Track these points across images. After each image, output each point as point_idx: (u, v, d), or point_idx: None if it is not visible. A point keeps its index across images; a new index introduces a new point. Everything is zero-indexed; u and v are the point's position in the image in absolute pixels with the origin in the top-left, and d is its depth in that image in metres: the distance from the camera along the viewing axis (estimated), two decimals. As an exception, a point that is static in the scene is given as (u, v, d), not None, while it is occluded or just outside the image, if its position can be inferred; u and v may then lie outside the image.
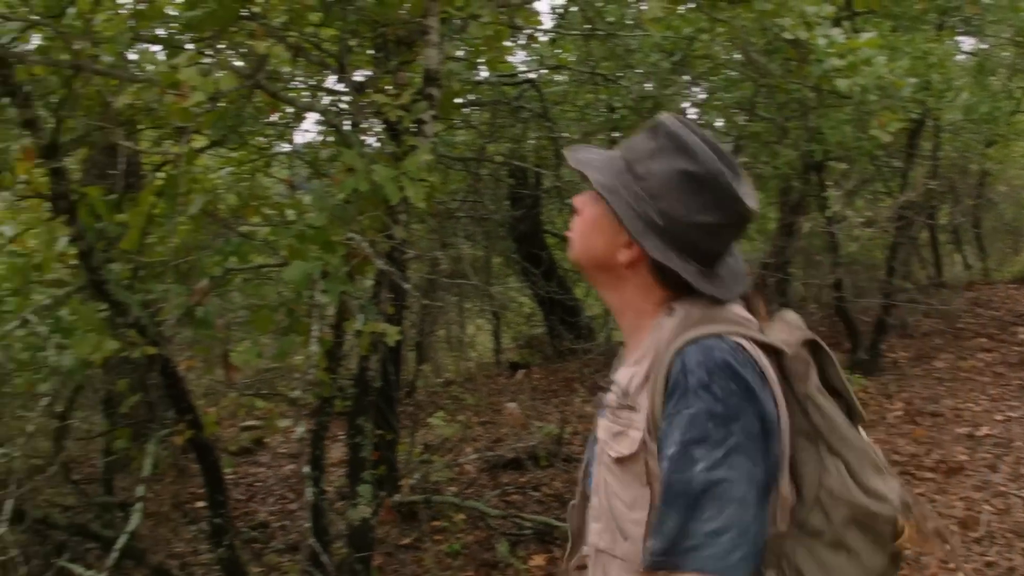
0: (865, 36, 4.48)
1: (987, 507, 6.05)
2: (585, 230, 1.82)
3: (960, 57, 10.25)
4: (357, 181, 3.34)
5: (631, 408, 1.71)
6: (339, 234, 3.32)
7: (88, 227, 3.64)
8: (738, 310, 1.75)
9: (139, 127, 5.06)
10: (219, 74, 2.87)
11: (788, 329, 1.76)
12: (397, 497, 6.05)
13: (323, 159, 5.43)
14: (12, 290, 3.68)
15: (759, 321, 1.77)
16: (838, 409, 1.71)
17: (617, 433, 1.72)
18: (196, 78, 2.85)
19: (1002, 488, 6.36)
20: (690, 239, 1.71)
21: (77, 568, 3.78)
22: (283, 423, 10.41)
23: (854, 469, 1.67)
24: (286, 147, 6.20)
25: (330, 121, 3.57)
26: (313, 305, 3.25)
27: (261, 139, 5.86)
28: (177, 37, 3.68)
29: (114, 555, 3.54)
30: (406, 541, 6.61)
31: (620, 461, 1.70)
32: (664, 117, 1.76)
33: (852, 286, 10.34)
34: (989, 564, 5.27)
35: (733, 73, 8.80)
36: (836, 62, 4.37)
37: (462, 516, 6.60)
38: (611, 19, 8.24)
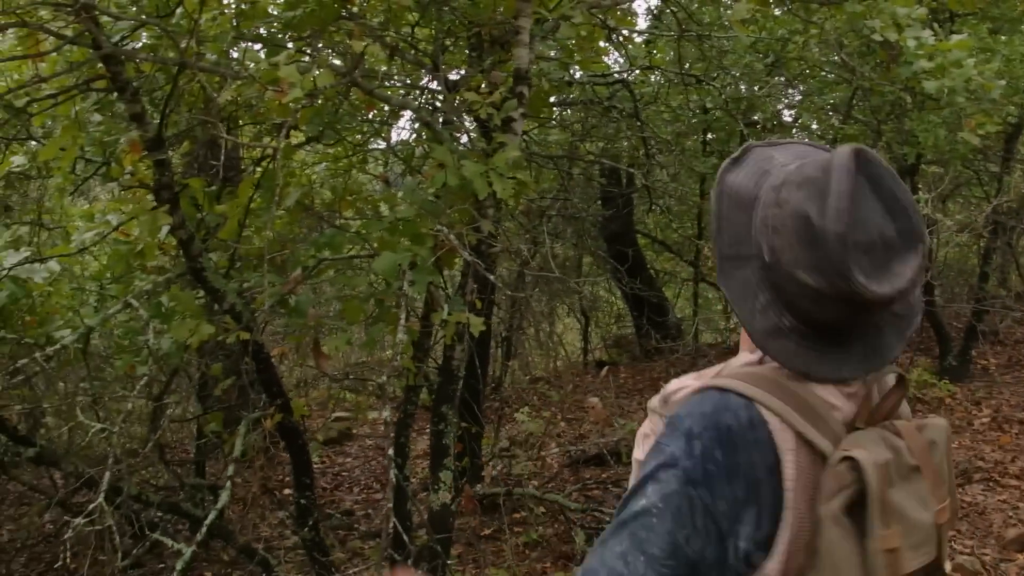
0: (956, 38, 4.45)
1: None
2: None
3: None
4: (447, 176, 3.45)
5: (660, 416, 1.56)
6: (428, 226, 3.43)
7: (189, 217, 3.80)
8: (829, 393, 1.49)
9: (239, 123, 5.25)
10: (317, 72, 2.99)
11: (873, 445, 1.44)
12: (479, 487, 6.15)
13: (417, 156, 5.57)
14: (115, 276, 3.86)
15: (868, 418, 1.51)
16: (849, 543, 1.40)
17: (646, 435, 1.58)
18: (295, 75, 2.98)
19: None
20: (789, 291, 1.48)
21: (168, 540, 3.93)
22: (371, 414, 10.66)
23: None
24: (381, 144, 6.35)
25: (423, 118, 3.68)
26: (401, 295, 3.36)
27: (357, 136, 6.02)
28: (278, 36, 3.82)
29: (203, 531, 3.69)
30: (487, 532, 6.73)
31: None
32: (843, 150, 1.45)
33: (944, 292, 10.18)
34: None
35: (829, 75, 8.75)
36: (925, 64, 4.35)
37: (542, 509, 6.69)
38: (706, 20, 8.27)
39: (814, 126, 10.34)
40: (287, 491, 7.77)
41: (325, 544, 4.51)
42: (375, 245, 3.63)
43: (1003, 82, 4.67)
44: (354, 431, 10.08)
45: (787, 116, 10.31)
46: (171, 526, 6.22)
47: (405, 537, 3.82)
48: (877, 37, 4.45)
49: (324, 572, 4.42)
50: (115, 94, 3.58)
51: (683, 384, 1.56)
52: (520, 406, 9.17)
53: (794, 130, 9.96)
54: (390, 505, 3.11)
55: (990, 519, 6.02)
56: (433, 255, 3.46)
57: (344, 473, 9.01)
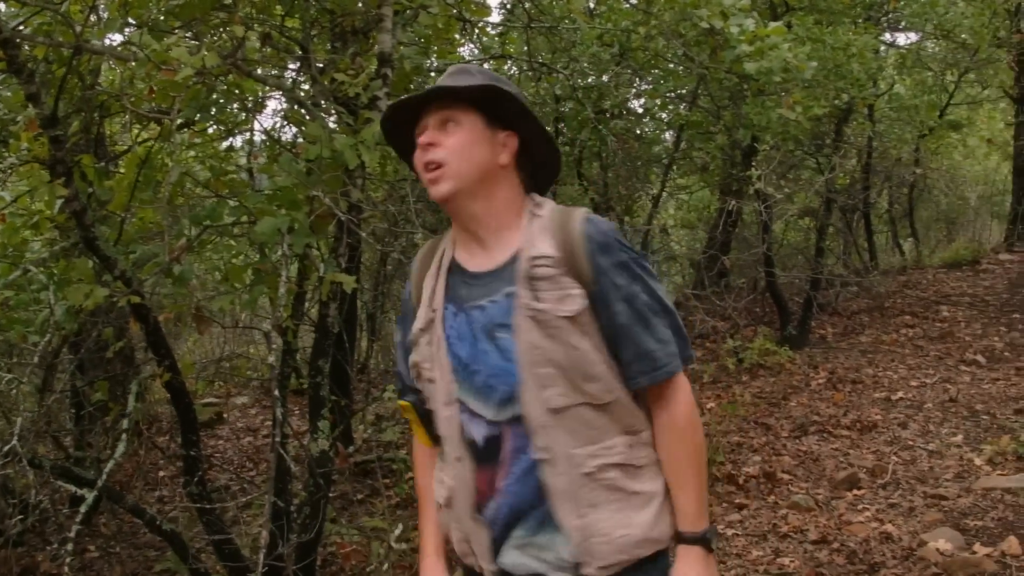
0: (773, 25, 5.02)
1: (895, 458, 6.65)
2: (464, 147, 2.07)
3: (882, 50, 10.86)
4: (319, 148, 3.84)
5: (564, 274, 2.01)
6: (303, 193, 3.81)
7: (81, 191, 4.09)
8: None
9: (110, 112, 5.48)
10: (204, 53, 3.33)
11: None
12: (352, 448, 6.51)
13: (283, 140, 5.90)
14: (11, 245, 4.13)
15: None
16: None
17: (562, 297, 2.00)
18: (185, 56, 3.32)
19: (910, 442, 6.97)
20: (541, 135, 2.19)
21: (71, 486, 4.20)
22: (239, 399, 10.89)
23: None
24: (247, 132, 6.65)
25: (296, 98, 4.03)
26: (282, 256, 3.73)
27: (227, 122, 6.31)
28: (161, 22, 4.13)
29: (103, 478, 3.97)
30: (359, 497, 7.11)
31: (571, 319, 1.99)
32: (465, 65, 2.22)
33: (782, 266, 10.93)
34: (892, 505, 5.85)
35: (671, 65, 9.35)
36: (746, 48, 4.91)
37: (411, 474, 7.09)
38: (556, 13, 8.75)
39: (663, 115, 10.96)
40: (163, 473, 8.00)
41: (212, 497, 4.82)
42: (254, 214, 3.98)
43: (815, 64, 5.27)
44: (225, 415, 10.27)
45: (636, 105, 10.91)
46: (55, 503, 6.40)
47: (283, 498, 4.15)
48: (704, 24, 4.99)
49: (213, 523, 4.74)
50: (12, 76, 3.83)
51: (539, 251, 2.05)
52: (386, 386, 9.53)
53: (645, 118, 10.58)
54: (278, 440, 3.47)
55: (823, 464, 6.66)
56: (308, 220, 3.85)
57: (217, 454, 9.21)
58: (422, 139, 2.08)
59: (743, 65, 4.90)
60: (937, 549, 5.05)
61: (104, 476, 3.95)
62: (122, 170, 5.02)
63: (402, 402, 2.24)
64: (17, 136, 3.84)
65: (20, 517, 4.22)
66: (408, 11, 4.43)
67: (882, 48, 10.95)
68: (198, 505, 4.63)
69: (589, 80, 8.95)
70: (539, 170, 2.22)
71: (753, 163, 8.59)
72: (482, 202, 2.10)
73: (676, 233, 13.96)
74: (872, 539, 5.32)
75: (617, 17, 8.02)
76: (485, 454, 2.08)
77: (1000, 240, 16.86)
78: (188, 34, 4.08)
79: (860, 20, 9.09)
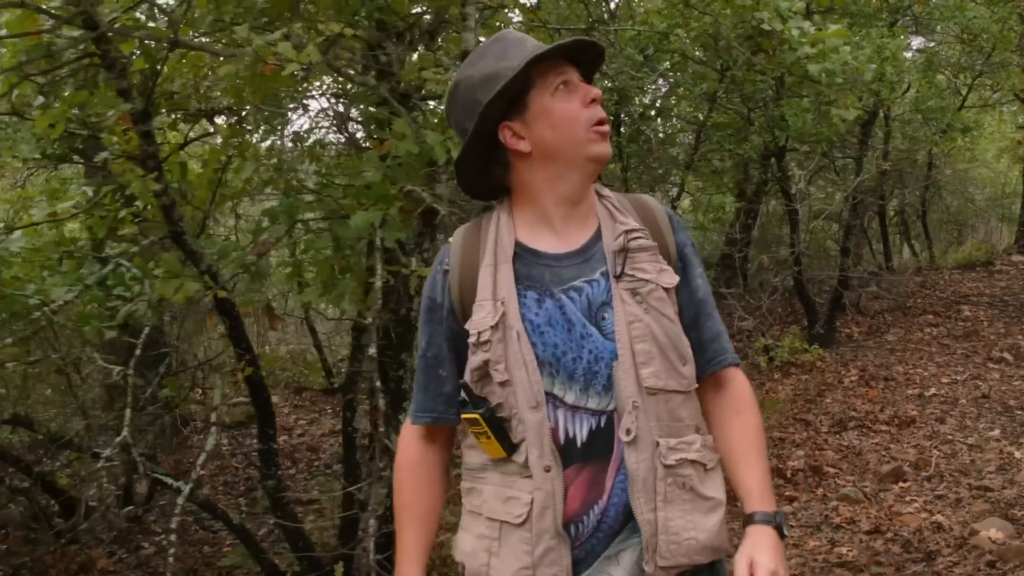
0: (832, 28, 5.12)
1: (936, 452, 6.77)
2: None
3: (909, 54, 10.99)
4: (408, 144, 3.92)
5: (658, 248, 2.00)
6: (395, 188, 3.89)
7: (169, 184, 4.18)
8: None
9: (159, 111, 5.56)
10: (309, 48, 3.41)
11: None
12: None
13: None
14: (99, 240, 4.21)
15: None
16: None
17: (661, 269, 1.97)
18: (290, 51, 3.41)
19: (949, 437, 7.09)
20: None
21: (168, 479, 4.28)
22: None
23: None
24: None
25: (382, 94, 4.12)
26: (376, 249, 3.82)
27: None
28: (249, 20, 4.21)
29: (199, 468, 4.05)
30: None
31: (669, 291, 1.97)
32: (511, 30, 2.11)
33: (808, 268, 11.07)
34: (939, 496, 5.96)
35: (700, 67, 9.45)
36: (808, 50, 5.01)
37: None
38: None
39: (680, 116, 11.05)
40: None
41: (285, 494, 4.91)
42: (344, 209, 4.07)
43: (874, 66, 5.38)
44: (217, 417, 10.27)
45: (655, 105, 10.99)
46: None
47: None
48: (766, 27, 5.09)
49: (288, 517, 4.83)
50: (105, 70, 3.92)
51: (626, 228, 2.01)
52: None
53: (673, 118, 10.67)
54: (381, 430, 3.56)
55: (867, 459, 6.77)
56: (400, 214, 3.94)
57: (254, 453, 9.27)
58: (595, 93, 1.98)
59: (805, 67, 4.99)
60: (989, 538, 5.16)
61: (199, 468, 4.03)
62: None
63: (468, 415, 1.96)
64: (111, 131, 3.91)
65: (129, 508, 4.30)
66: (487, 9, 4.53)
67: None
68: (274, 501, 4.71)
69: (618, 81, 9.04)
70: None
71: (790, 163, 8.70)
72: (589, 184, 2.06)
73: (693, 235, 14.06)
74: (924, 529, 5.42)
75: (656, 18, 8.10)
76: (589, 451, 1.94)
77: (1010, 242, 17.01)
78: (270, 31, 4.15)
79: (888, 24, 9.20)
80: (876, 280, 12.49)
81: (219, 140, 5.22)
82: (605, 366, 1.93)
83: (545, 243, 2.00)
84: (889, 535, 5.42)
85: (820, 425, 7.62)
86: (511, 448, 1.94)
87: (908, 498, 5.97)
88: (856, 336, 10.74)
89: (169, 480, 4.20)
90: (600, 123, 1.97)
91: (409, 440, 2.14)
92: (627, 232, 1.98)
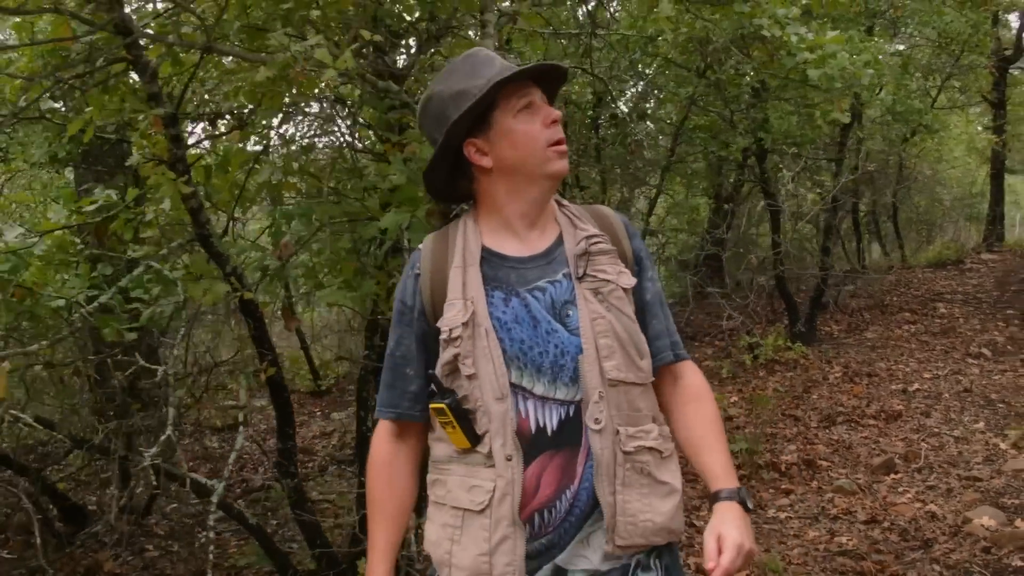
0: (830, 34, 5.29)
1: (924, 444, 6.96)
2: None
3: (881, 57, 11.20)
4: (430, 147, 4.04)
5: (616, 251, 2.16)
6: (421, 191, 4.01)
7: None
8: None
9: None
10: (346, 55, 3.52)
11: None
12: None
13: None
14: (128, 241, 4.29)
15: None
16: None
17: (620, 271, 2.13)
18: (327, 56, 3.51)
19: (936, 430, 7.29)
20: None
21: (201, 478, 4.35)
22: (258, 403, 10.99)
23: None
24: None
25: (404, 100, 4.23)
26: (404, 250, 3.94)
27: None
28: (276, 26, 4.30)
29: (230, 461, 4.13)
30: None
31: (627, 291, 2.13)
32: (482, 48, 2.24)
33: (787, 267, 11.27)
34: (930, 487, 6.15)
35: (681, 71, 9.59)
36: (808, 55, 5.18)
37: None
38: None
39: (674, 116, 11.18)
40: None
41: (305, 492, 5.00)
42: (368, 210, 4.18)
43: (871, 71, 5.55)
44: (244, 418, 10.31)
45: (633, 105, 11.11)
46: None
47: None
48: (765, 33, 5.25)
49: (306, 515, 4.91)
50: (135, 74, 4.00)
51: (587, 234, 2.15)
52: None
53: (647, 123, 10.78)
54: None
55: (857, 452, 6.95)
56: (426, 216, 4.05)
57: (245, 456, 9.31)
58: (555, 115, 2.12)
59: (804, 71, 5.15)
60: (982, 525, 5.36)
61: (229, 466, 4.11)
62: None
63: (435, 404, 2.06)
64: (142, 135, 3.99)
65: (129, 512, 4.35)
66: (503, 16, 4.64)
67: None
68: (293, 499, 4.80)
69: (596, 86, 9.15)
70: None
71: (774, 165, 8.88)
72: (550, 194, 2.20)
73: (670, 235, 14.22)
74: (919, 518, 5.61)
75: (643, 24, 8.24)
76: (559, 439, 2.05)
77: (979, 241, 17.38)
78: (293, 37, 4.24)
79: (865, 28, 9.41)
80: (853, 279, 12.73)
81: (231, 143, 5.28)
82: (571, 359, 2.06)
83: (510, 247, 2.14)
84: (886, 524, 5.59)
85: (809, 420, 7.80)
86: (476, 439, 2.04)
87: (901, 489, 6.15)
88: (836, 334, 10.96)
89: (203, 481, 4.27)
90: (558, 143, 2.11)
91: (381, 438, 2.23)
92: (588, 237, 2.13)
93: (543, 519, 2.04)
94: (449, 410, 2.04)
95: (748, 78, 8.37)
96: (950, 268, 14.81)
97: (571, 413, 2.05)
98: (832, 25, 8.37)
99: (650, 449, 2.08)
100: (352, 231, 4.34)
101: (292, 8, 4.17)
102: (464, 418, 2.05)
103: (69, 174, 6.89)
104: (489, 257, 2.13)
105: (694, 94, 9.54)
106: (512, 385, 2.05)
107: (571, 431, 2.05)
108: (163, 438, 3.54)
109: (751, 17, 5.39)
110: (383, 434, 2.23)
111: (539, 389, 2.05)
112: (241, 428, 4.18)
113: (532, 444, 2.04)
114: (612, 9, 8.86)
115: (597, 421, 2.03)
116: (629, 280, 2.13)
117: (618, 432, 2.04)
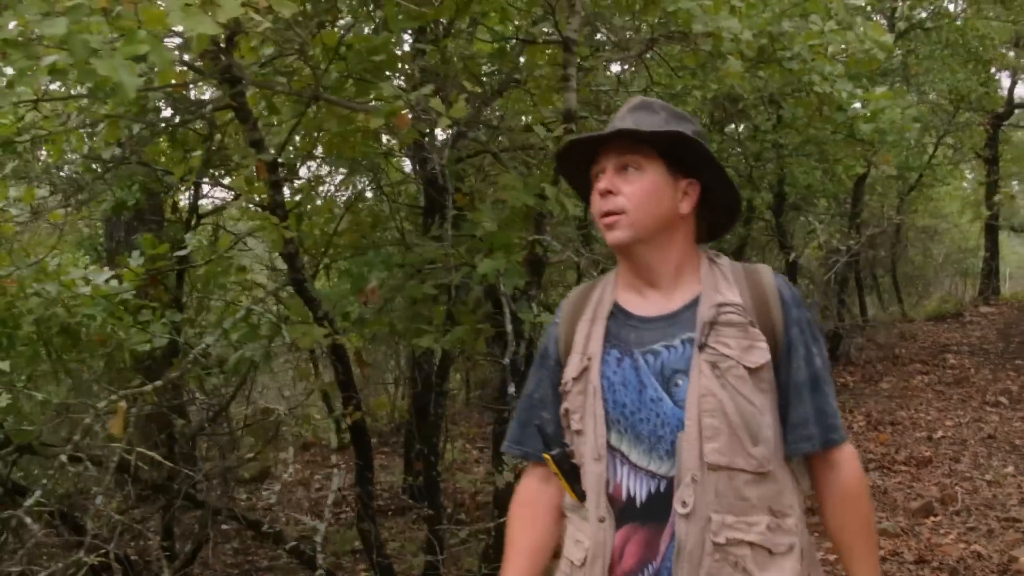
0: (879, 90, 5.53)
1: (959, 488, 7.13)
2: (645, 196, 2.00)
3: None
4: (525, 195, 4.23)
5: (753, 325, 1.96)
6: (518, 238, 4.19)
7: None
8: None
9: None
10: (459, 103, 3.71)
11: None
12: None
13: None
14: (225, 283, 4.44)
15: None
16: None
17: (748, 347, 1.94)
18: (440, 105, 3.70)
19: (967, 474, 7.47)
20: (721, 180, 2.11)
21: (305, 519, 4.45)
22: (282, 455, 11.01)
23: None
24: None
25: (492, 150, 4.42)
26: (502, 295, 4.11)
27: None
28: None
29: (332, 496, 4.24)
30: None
31: (754, 371, 1.94)
32: (644, 98, 2.14)
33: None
34: (971, 528, 6.31)
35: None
36: (859, 109, 5.42)
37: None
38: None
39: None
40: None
41: (380, 535, 5.09)
42: (461, 256, 4.35)
43: (919, 125, 5.80)
44: (272, 469, 10.39)
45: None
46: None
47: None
48: (818, 89, 5.48)
49: (380, 558, 5.02)
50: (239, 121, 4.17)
51: (724, 300, 2.01)
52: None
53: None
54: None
55: (893, 496, 7.11)
56: (520, 262, 4.23)
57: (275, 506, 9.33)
58: (600, 185, 2.03)
59: (857, 126, 5.38)
60: (1030, 564, 5.52)
61: (330, 505, 4.24)
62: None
63: (545, 454, 2.07)
64: (247, 181, 4.15)
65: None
66: (581, 71, 4.86)
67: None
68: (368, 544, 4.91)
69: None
70: (719, 217, 2.17)
71: (812, 219, 9.14)
72: (658, 252, 2.04)
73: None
74: (966, 558, 5.76)
75: (668, 81, 8.50)
76: (647, 512, 1.98)
77: (975, 295, 17.72)
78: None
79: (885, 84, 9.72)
80: (860, 331, 12.97)
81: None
82: (670, 432, 1.96)
83: (643, 306, 2.07)
84: (935, 564, 5.73)
85: (841, 467, 7.94)
86: (582, 495, 2.03)
87: (942, 531, 6.31)
88: (852, 385, 11.15)
89: (306, 520, 4.39)
90: (606, 215, 2.02)
91: (527, 479, 2.25)
92: (719, 305, 1.98)
93: None
94: (553, 461, 2.05)
95: (770, 135, 8.62)
96: (950, 321, 15.12)
97: (662, 488, 1.97)
98: (855, 83, 8.67)
99: (752, 544, 1.91)
100: (440, 277, 4.52)
101: (384, 62, 4.37)
102: (570, 472, 2.05)
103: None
104: (617, 313, 2.09)
105: (716, 151, 9.83)
106: (610, 447, 2.02)
107: (660, 506, 1.96)
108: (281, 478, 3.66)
109: (799, 75, 5.63)
110: (529, 475, 2.24)
111: (634, 456, 2.00)
112: (335, 470, 4.30)
113: (622, 511, 2.00)
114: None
115: (684, 504, 1.92)
116: (758, 358, 1.95)
117: (710, 519, 1.91)
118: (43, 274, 4.28)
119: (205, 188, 6.49)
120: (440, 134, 5.03)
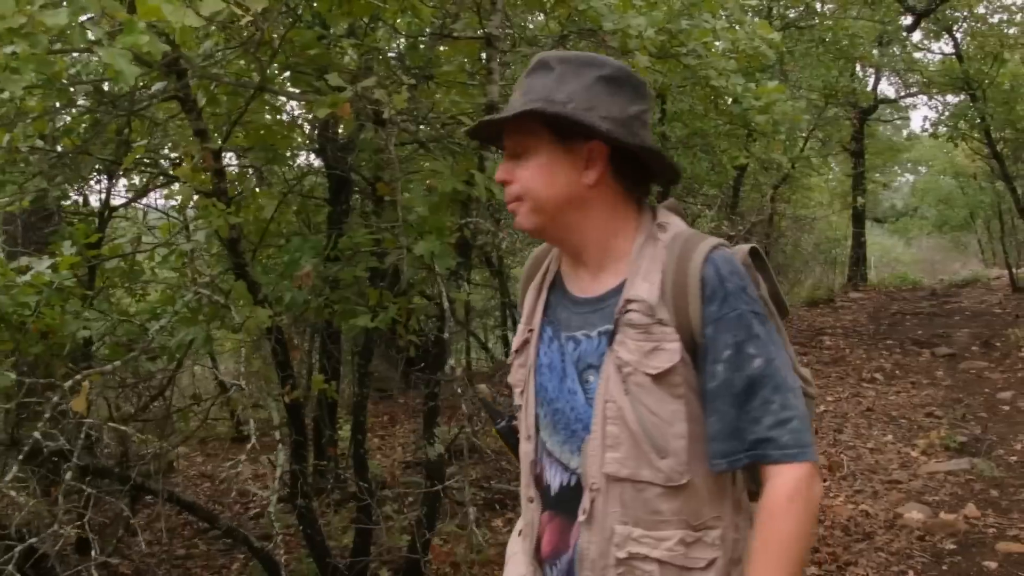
0: (771, 84, 5.97)
1: (844, 456, 7.66)
2: (536, 179, 1.79)
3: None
4: (454, 182, 4.50)
5: (662, 323, 1.71)
6: (449, 222, 4.45)
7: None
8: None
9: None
10: (403, 93, 3.95)
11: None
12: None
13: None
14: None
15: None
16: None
17: (651, 350, 1.71)
18: (384, 95, 3.93)
19: (850, 444, 8.02)
20: (636, 133, 1.78)
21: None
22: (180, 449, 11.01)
23: (794, 359, 1.84)
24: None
25: (419, 140, 4.66)
26: (439, 276, 4.36)
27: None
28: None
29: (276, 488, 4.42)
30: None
31: (658, 377, 1.71)
32: (544, 54, 1.84)
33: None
34: (858, 491, 6.82)
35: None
36: (753, 102, 5.84)
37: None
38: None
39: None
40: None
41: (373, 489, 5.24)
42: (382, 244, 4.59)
43: (808, 116, 6.26)
44: (175, 464, 10.37)
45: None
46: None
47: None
48: (714, 83, 5.88)
49: (366, 520, 5.20)
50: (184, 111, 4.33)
51: (640, 290, 1.76)
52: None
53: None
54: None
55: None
56: (452, 244, 4.50)
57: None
58: (496, 175, 1.85)
59: (752, 117, 5.80)
60: (913, 518, 6.04)
61: (276, 482, 4.40)
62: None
63: (495, 429, 2.02)
64: (194, 169, 4.30)
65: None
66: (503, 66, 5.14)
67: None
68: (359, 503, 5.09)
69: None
70: (649, 166, 1.85)
71: (705, 206, 9.60)
72: (573, 232, 1.84)
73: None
74: (856, 516, 6.26)
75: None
76: (560, 503, 1.87)
77: (844, 281, 18.64)
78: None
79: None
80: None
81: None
82: (582, 430, 1.81)
83: (578, 283, 1.90)
84: (827, 523, 6.20)
85: (734, 440, 8.42)
86: None
87: (831, 494, 6.80)
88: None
89: (260, 492, 4.55)
90: (508, 204, 1.86)
91: None
92: (627, 301, 1.76)
93: (550, 570, 1.90)
94: (500, 434, 2.04)
95: (656, 128, 9.05)
96: (822, 306, 15.94)
97: (572, 483, 1.83)
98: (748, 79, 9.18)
99: (660, 561, 1.73)
100: (377, 260, 4.75)
101: (318, 55, 4.59)
102: (516, 446, 1.98)
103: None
104: (558, 286, 1.95)
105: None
106: (537, 430, 1.92)
107: (571, 501, 1.83)
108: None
109: (696, 70, 6.03)
110: None
111: (550, 444, 1.89)
112: (280, 446, 4.47)
113: (542, 496, 1.92)
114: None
115: (584, 511, 1.78)
116: (662, 362, 1.71)
117: (614, 531, 1.76)
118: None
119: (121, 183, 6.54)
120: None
